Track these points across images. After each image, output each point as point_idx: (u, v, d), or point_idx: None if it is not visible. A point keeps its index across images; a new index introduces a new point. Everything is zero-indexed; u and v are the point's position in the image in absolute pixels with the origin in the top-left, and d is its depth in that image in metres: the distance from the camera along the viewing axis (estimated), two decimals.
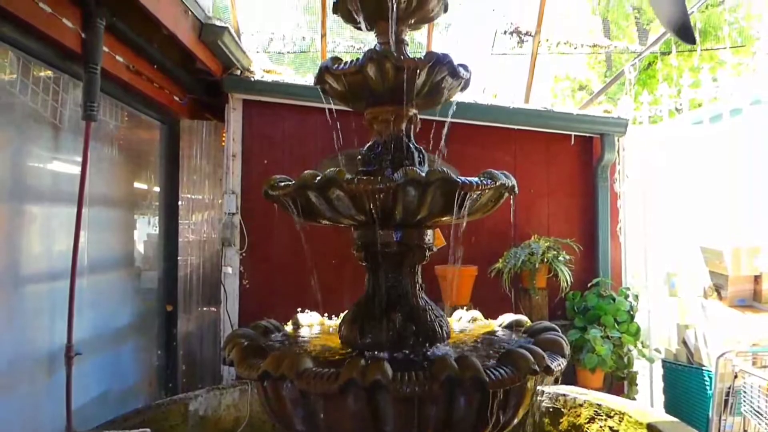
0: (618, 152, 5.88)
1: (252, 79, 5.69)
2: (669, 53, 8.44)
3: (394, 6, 3.02)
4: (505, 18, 8.52)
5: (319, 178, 2.50)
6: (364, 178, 2.51)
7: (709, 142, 6.25)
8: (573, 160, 6.07)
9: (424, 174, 2.44)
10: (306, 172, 2.57)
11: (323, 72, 2.97)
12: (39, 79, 3.62)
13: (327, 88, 3.09)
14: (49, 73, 3.71)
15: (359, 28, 3.33)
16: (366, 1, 3.04)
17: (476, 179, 2.57)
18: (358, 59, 2.88)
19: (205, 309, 6.08)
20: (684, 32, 2.81)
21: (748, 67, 16.15)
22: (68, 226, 3.69)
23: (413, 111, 3.09)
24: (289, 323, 3.41)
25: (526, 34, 7.84)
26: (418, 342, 2.70)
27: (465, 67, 3.01)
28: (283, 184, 2.72)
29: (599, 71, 17.62)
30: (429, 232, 2.96)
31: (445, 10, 3.32)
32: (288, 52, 8.05)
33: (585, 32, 18.73)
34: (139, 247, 5.54)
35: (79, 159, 3.74)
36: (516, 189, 2.78)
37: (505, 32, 8.47)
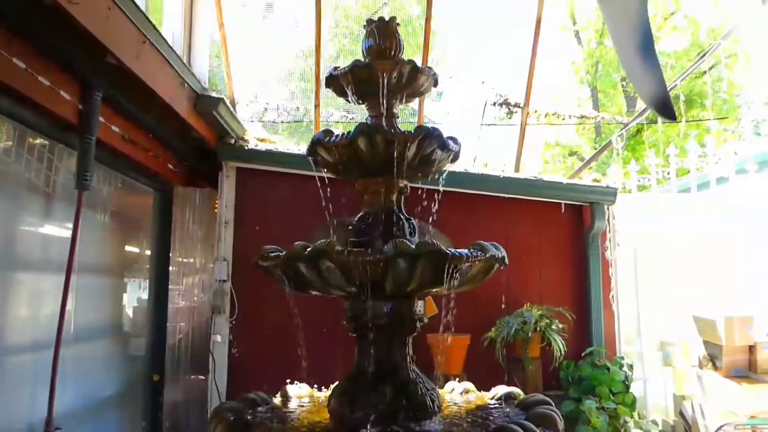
0: (608, 220, 5.93)
1: (246, 147, 5.77)
2: (655, 122, 8.64)
3: (385, 81, 3.11)
4: (494, 90, 8.77)
5: (309, 249, 2.51)
6: (355, 250, 2.52)
7: (696, 210, 6.33)
8: (564, 228, 6.11)
9: (414, 246, 2.44)
10: (297, 243, 2.58)
11: (315, 144, 3.01)
12: (34, 148, 3.66)
13: (319, 159, 3.13)
14: (44, 141, 3.76)
15: (351, 102, 3.41)
16: (357, 77, 3.13)
17: (466, 251, 2.58)
18: (349, 132, 2.94)
19: (192, 378, 5.95)
20: (665, 110, 2.90)
21: (734, 135, 16.55)
22: (56, 295, 3.64)
23: (404, 182, 3.12)
24: (278, 395, 3.34)
25: (515, 105, 8.05)
26: (409, 417, 2.64)
27: (454, 140, 3.07)
28: (273, 254, 2.72)
29: (589, 137, 17.99)
30: (420, 303, 2.94)
31: (435, 85, 3.41)
32: (282, 122, 8.21)
33: (573, 100, 19.26)
34: (128, 312, 5.47)
35: (70, 226, 3.74)
36: (506, 260, 2.79)
37: (494, 104, 8.70)
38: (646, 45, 2.78)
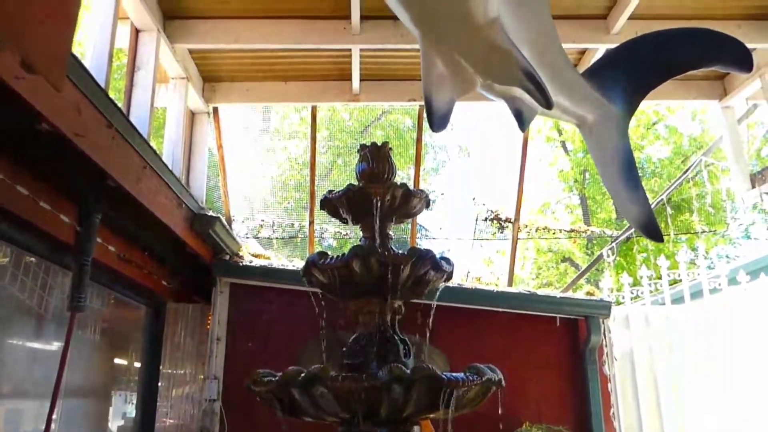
0: (604, 334, 5.88)
1: (240, 264, 5.80)
2: None
3: (378, 204, 3.19)
4: (485, 206, 9.00)
5: (303, 375, 2.47)
6: (349, 375, 2.49)
7: (691, 320, 6.30)
8: (560, 343, 6.04)
9: (408, 371, 2.42)
10: (290, 368, 2.54)
11: (310, 266, 3.05)
12: (29, 269, 3.67)
13: (313, 280, 3.15)
14: (40, 262, 3.77)
15: (345, 223, 3.49)
16: (351, 200, 3.21)
17: (462, 375, 2.55)
18: (343, 254, 2.98)
19: None
20: (652, 233, 2.98)
21: (724, 239, 16.76)
22: (39, 418, 3.52)
23: (398, 303, 3.13)
24: None
25: (506, 220, 8.24)
26: None
27: (447, 260, 3.11)
28: (266, 379, 2.68)
29: (580, 244, 18.15)
30: (416, 428, 2.87)
31: (428, 206, 3.50)
32: (277, 238, 8.32)
33: (563, 207, 19.65)
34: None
35: (60, 346, 3.67)
36: (503, 383, 2.75)
37: (485, 219, 8.89)
38: (629, 171, 2.90)
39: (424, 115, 6.42)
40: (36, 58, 2.25)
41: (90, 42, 3.70)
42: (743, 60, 2.83)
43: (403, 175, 13.44)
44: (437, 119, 2.28)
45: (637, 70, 2.88)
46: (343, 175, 12.44)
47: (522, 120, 2.39)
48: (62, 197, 3.55)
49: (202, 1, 4.84)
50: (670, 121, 18.61)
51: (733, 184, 6.27)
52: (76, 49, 3.81)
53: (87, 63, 3.54)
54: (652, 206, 5.38)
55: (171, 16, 4.93)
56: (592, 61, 5.49)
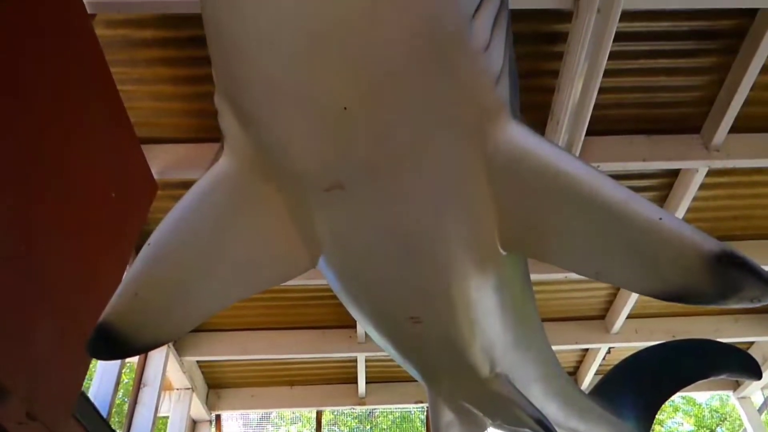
0: None
1: None
2: None
3: None
4: None
5: None
6: None
7: None
8: None
9: None
10: None
11: None
12: None
13: None
14: None
15: None
16: None
17: None
18: None
19: None
20: None
21: None
22: None
23: None
24: None
25: None
26: None
27: None
28: None
29: None
30: None
31: None
32: None
33: None
34: None
35: None
36: None
37: None
38: None
39: None
40: (41, 410, 2.24)
41: (98, 371, 3.71)
42: (752, 369, 2.84)
43: None
44: None
45: (645, 385, 2.86)
46: None
47: None
48: None
49: (213, 316, 5.02)
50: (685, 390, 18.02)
51: None
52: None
53: (92, 390, 3.51)
54: None
55: None
56: (595, 359, 5.52)
